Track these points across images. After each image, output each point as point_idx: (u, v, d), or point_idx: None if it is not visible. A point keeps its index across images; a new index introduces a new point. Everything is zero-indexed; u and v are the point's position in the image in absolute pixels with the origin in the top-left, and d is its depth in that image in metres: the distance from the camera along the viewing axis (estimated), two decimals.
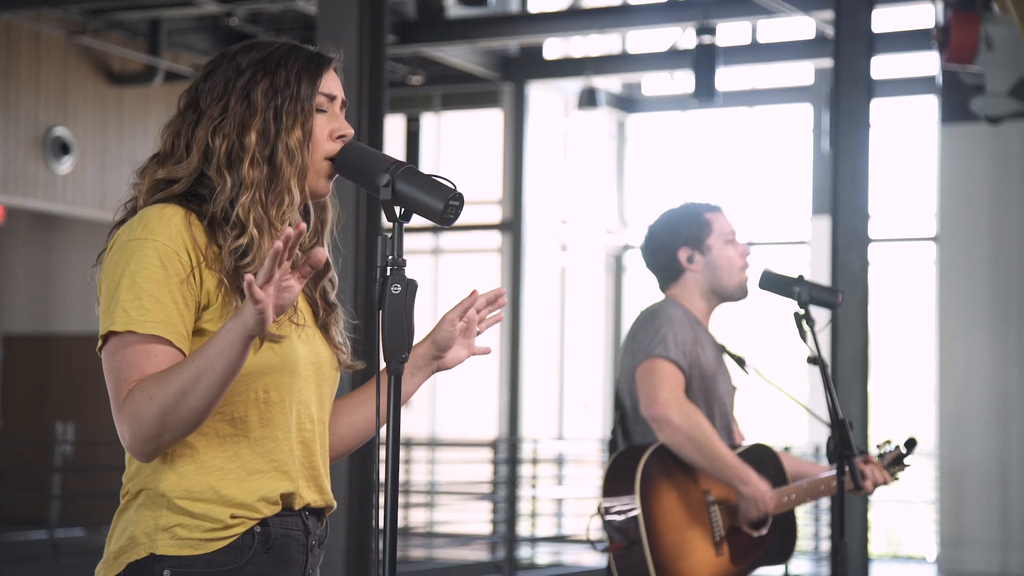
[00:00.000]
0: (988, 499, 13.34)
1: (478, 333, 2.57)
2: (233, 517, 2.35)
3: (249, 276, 2.15)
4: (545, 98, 17.26)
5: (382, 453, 2.27)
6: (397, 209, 2.31)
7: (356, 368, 2.59)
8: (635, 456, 3.88)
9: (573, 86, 16.76)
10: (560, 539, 14.06)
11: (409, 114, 15.80)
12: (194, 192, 2.41)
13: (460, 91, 17.09)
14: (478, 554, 13.52)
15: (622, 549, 3.81)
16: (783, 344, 15.78)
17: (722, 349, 4.18)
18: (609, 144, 18.22)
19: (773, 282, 4.02)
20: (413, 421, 17.10)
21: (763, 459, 4.01)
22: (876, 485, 3.97)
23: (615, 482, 3.86)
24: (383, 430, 2.34)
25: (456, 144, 17.57)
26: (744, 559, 3.94)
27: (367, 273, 7.16)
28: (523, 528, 14.19)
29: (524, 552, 12.88)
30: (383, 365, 2.31)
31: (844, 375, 11.48)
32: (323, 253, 2.22)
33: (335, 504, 2.53)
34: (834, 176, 11.67)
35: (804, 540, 13.17)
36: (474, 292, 2.53)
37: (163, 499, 2.34)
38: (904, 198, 16.36)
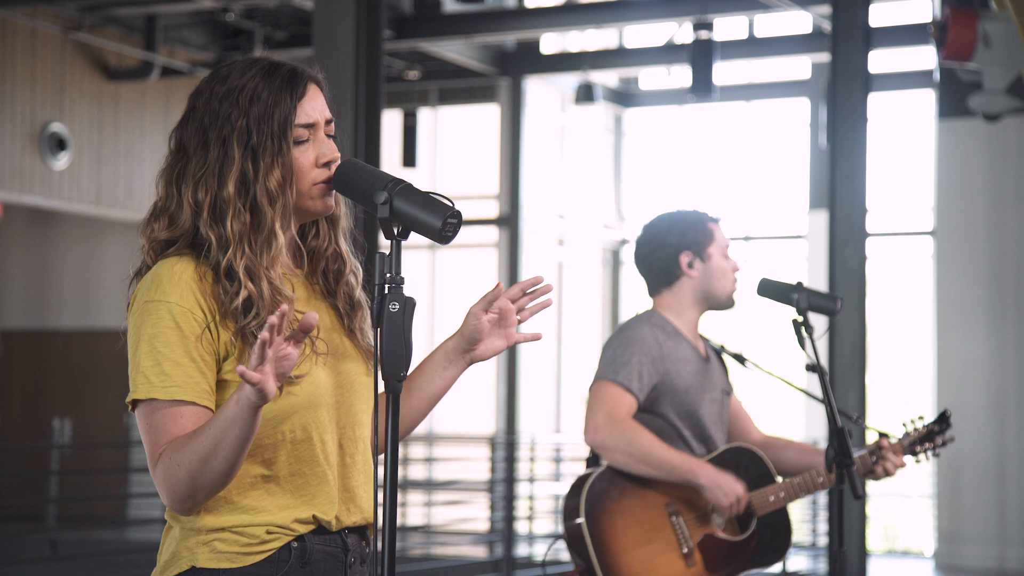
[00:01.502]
0: (986, 494, 13.34)
1: (521, 321, 2.58)
2: (269, 533, 2.39)
3: (240, 367, 2.16)
4: (542, 93, 17.24)
5: (380, 472, 2.29)
6: (395, 227, 2.31)
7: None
8: (584, 481, 3.90)
9: (570, 81, 16.74)
10: (559, 536, 14.03)
11: (406, 109, 15.78)
12: (197, 242, 2.42)
13: (457, 86, 17.07)
14: (476, 551, 13.51)
15: (581, 572, 3.82)
16: (781, 351, 15.75)
17: (720, 351, 4.17)
18: (606, 139, 18.20)
19: (771, 289, 4.00)
20: None
21: (740, 460, 3.98)
22: (888, 472, 3.93)
23: (569, 509, 3.88)
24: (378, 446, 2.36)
25: (453, 139, 17.55)
26: (722, 566, 3.90)
27: (366, 291, 7.14)
28: (521, 525, 14.18)
29: (522, 549, 12.87)
30: (381, 386, 2.30)
31: (842, 370, 11.47)
32: (314, 318, 2.20)
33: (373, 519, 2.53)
34: (831, 172, 11.66)
35: (801, 535, 13.16)
36: (498, 284, 2.54)
37: (202, 528, 2.41)
38: (901, 192, 16.35)
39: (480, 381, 16.88)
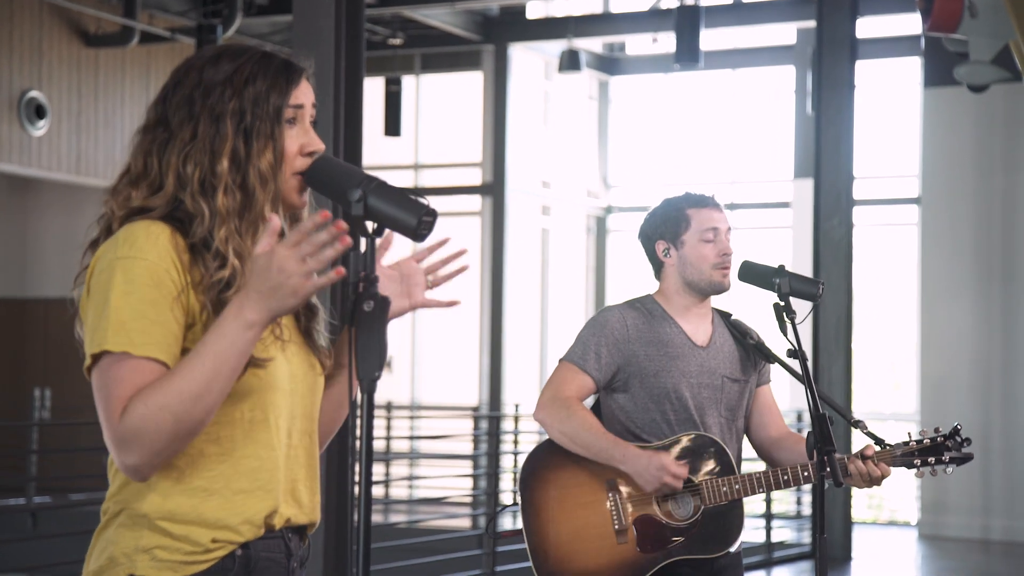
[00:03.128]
0: (970, 465, 13.28)
1: (434, 285, 2.54)
2: (214, 541, 2.33)
3: (294, 237, 2.15)
4: (527, 60, 17.12)
5: (358, 467, 2.25)
6: (369, 224, 2.28)
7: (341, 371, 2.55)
8: (533, 449, 4.06)
9: (555, 48, 16.62)
10: (506, 505, 13.99)
11: (389, 76, 15.64)
12: (172, 215, 2.37)
13: (440, 53, 16.94)
14: (459, 522, 13.48)
15: (517, 536, 3.97)
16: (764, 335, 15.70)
17: (740, 339, 4.07)
18: (591, 106, 18.10)
19: (752, 273, 3.95)
20: (394, 385, 17.03)
21: (701, 449, 3.94)
22: (873, 481, 3.86)
23: (521, 473, 4.03)
24: (358, 443, 2.29)
25: (436, 107, 17.43)
26: (657, 547, 3.89)
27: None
28: (506, 496, 14.13)
29: (506, 519, 12.84)
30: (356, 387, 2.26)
31: (826, 341, 11.43)
32: (348, 239, 2.18)
33: (318, 520, 2.51)
34: (817, 143, 11.59)
35: (786, 505, 13.14)
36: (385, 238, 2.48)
37: (144, 519, 2.32)
38: (887, 160, 16.28)
39: (464, 351, 16.83)
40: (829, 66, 11.64)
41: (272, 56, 2.43)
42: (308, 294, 2.19)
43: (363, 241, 2.27)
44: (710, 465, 3.93)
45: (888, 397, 16.96)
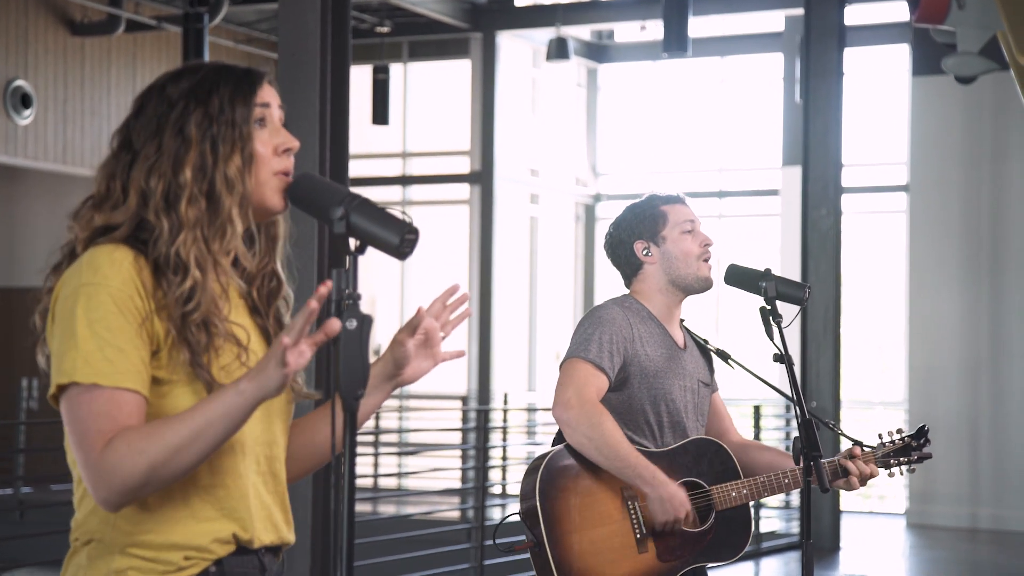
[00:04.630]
0: (958, 453, 13.33)
1: (444, 336, 2.54)
2: (187, 559, 2.33)
3: (285, 338, 2.15)
4: (515, 47, 17.07)
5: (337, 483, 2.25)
6: (352, 242, 2.27)
7: (313, 397, 2.55)
8: (544, 455, 3.88)
9: (543, 35, 16.57)
10: (512, 513, 13.97)
11: (377, 64, 15.59)
12: (136, 236, 2.35)
13: (428, 40, 16.89)
14: (448, 511, 13.46)
15: (533, 548, 3.80)
16: (747, 340, 15.69)
17: (703, 344, 4.09)
18: (579, 94, 18.06)
19: (739, 277, 3.91)
20: None
21: (705, 452, 3.92)
22: (864, 480, 3.87)
23: (525, 481, 3.85)
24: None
25: (424, 94, 17.37)
26: (676, 555, 3.84)
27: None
28: (494, 485, 14.12)
29: (495, 507, 12.82)
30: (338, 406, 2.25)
31: (815, 331, 11.42)
32: (337, 324, 2.17)
33: (292, 539, 2.50)
34: (805, 132, 11.56)
35: (775, 498, 13.13)
36: (419, 310, 2.49)
37: (115, 546, 2.32)
38: (876, 148, 16.26)
39: (453, 339, 16.79)
40: (817, 54, 11.61)
41: (232, 67, 2.43)
42: (285, 379, 2.19)
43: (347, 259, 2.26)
44: (716, 469, 3.91)
45: (876, 384, 16.97)
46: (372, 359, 2.29)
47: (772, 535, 11.88)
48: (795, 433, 3.80)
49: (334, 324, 2.16)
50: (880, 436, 4.00)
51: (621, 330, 3.90)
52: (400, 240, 2.24)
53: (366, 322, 2.19)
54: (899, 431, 4.01)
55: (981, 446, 13.29)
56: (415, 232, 2.26)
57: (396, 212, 2.28)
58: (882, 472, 3.98)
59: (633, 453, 3.79)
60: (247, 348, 2.38)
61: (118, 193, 2.36)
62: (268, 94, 2.42)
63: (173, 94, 2.38)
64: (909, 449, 3.98)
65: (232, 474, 2.36)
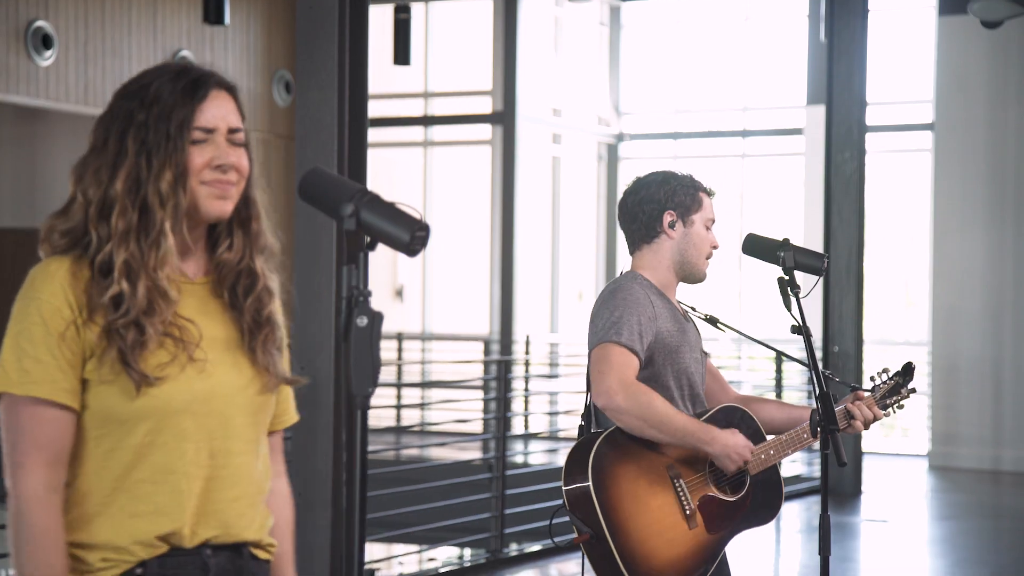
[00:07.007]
0: (981, 395, 13.31)
1: None
2: (104, 560, 2.35)
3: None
4: None
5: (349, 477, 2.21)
6: (363, 239, 2.27)
7: (299, 383, 2.51)
8: (589, 445, 3.86)
9: None
10: (553, 437, 14.05)
11: (398, 4, 15.48)
12: (85, 242, 2.41)
13: None
14: (470, 453, 13.53)
15: (589, 540, 3.78)
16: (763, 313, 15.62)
17: (688, 313, 4.10)
18: (602, 32, 17.92)
19: (757, 246, 3.89)
20: (405, 315, 17.03)
21: (732, 420, 3.95)
22: (867, 424, 3.93)
23: (573, 473, 3.83)
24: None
25: (446, 34, 17.26)
26: (721, 526, 3.89)
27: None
28: (516, 426, 14.18)
29: (517, 449, 12.88)
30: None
31: (838, 273, 11.36)
32: None
33: (264, 540, 2.50)
34: (829, 73, 11.44)
35: None
36: None
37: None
38: (901, 85, 16.12)
39: (475, 281, 16.80)
40: None
41: (187, 71, 2.41)
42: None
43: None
44: (746, 434, 3.94)
45: (900, 322, 16.92)
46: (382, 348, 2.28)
47: (796, 479, 11.89)
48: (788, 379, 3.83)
49: None
50: (872, 379, 4.02)
51: (645, 309, 3.91)
52: (411, 237, 2.23)
53: (376, 319, 2.18)
54: (886, 371, 4.05)
55: (1004, 388, 13.26)
56: (426, 229, 2.25)
57: (406, 208, 2.26)
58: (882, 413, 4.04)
59: (687, 420, 3.83)
60: (192, 343, 2.38)
61: (75, 200, 2.42)
62: (217, 116, 2.40)
63: (121, 104, 2.41)
64: (898, 388, 4.01)
65: (164, 470, 2.37)
